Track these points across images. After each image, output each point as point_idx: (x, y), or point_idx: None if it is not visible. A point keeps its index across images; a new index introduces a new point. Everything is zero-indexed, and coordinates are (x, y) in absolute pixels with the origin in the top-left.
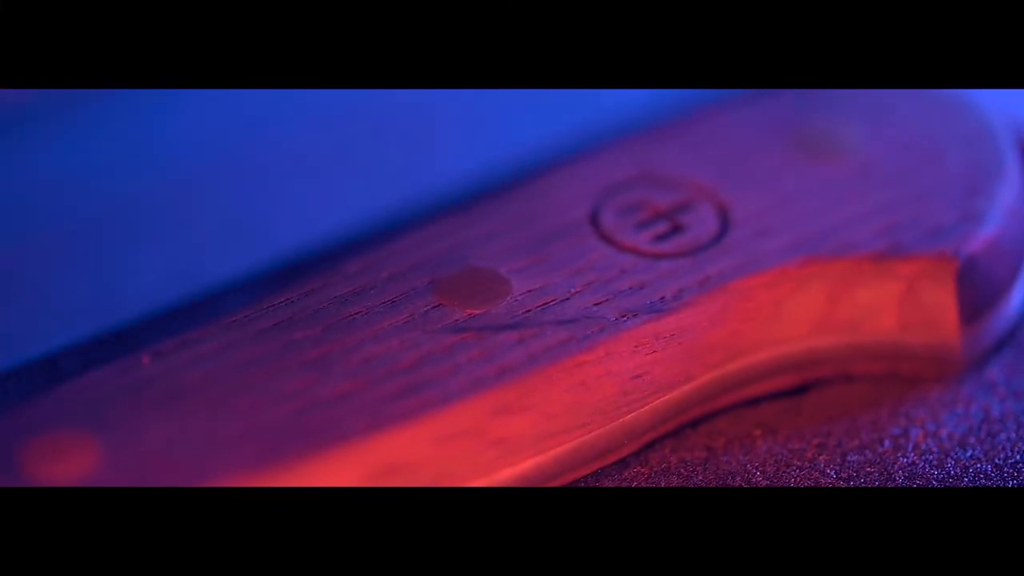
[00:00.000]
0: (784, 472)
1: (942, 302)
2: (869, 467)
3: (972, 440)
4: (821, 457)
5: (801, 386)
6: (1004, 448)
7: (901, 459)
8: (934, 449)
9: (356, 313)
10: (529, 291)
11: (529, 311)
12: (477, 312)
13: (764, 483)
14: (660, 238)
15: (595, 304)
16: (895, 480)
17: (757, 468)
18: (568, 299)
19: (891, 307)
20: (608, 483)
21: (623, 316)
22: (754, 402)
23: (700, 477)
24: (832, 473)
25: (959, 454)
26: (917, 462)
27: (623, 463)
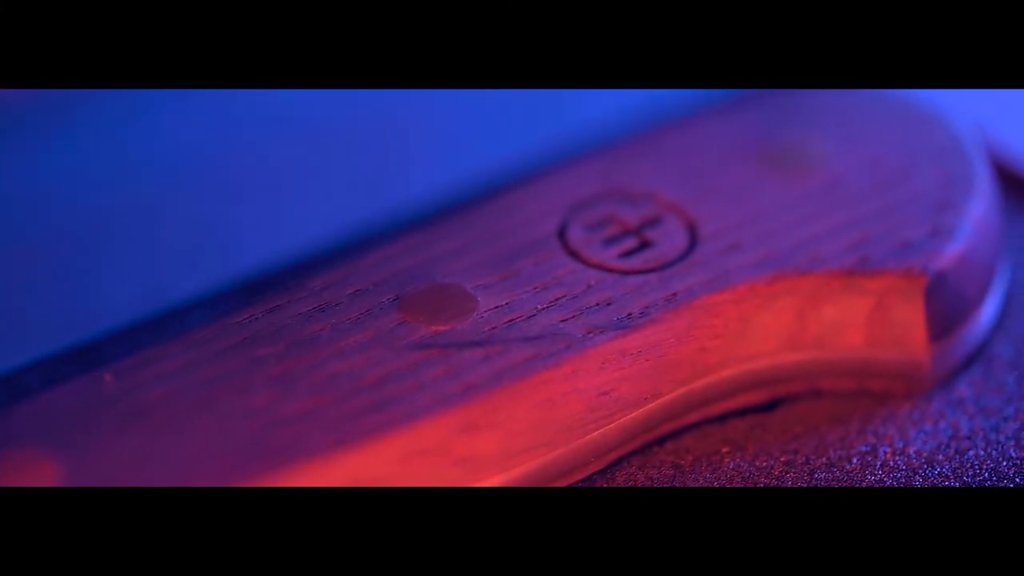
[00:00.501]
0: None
1: (911, 318)
2: (836, 485)
3: (940, 458)
4: (788, 475)
5: (769, 403)
6: (973, 466)
7: (869, 477)
8: (902, 467)
9: (321, 330)
10: (495, 307)
11: (495, 328)
12: (443, 329)
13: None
14: (628, 254)
15: (562, 321)
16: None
17: (724, 486)
18: (534, 316)
19: (859, 323)
20: None
21: (590, 333)
22: (722, 419)
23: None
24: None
25: (927, 471)
26: (885, 480)
27: (589, 481)
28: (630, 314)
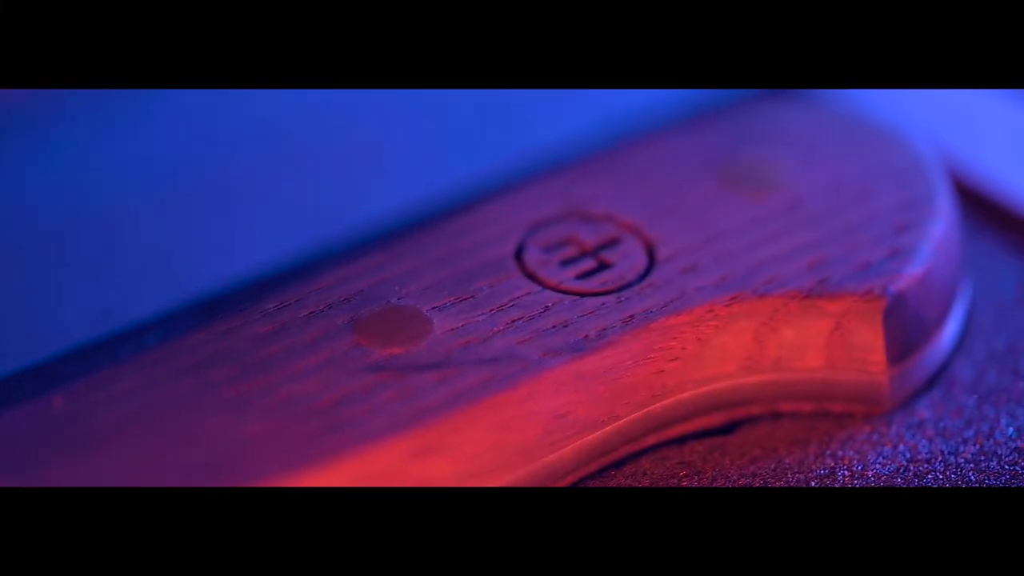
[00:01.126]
0: None
1: (870, 340)
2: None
3: (899, 481)
4: None
5: (728, 425)
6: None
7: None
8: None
9: (275, 352)
10: (451, 330)
11: (450, 350)
12: (398, 352)
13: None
14: (585, 275)
15: (518, 343)
16: None
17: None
18: (490, 338)
19: (818, 345)
20: None
21: (546, 355)
22: (680, 442)
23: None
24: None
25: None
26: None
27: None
28: (587, 336)
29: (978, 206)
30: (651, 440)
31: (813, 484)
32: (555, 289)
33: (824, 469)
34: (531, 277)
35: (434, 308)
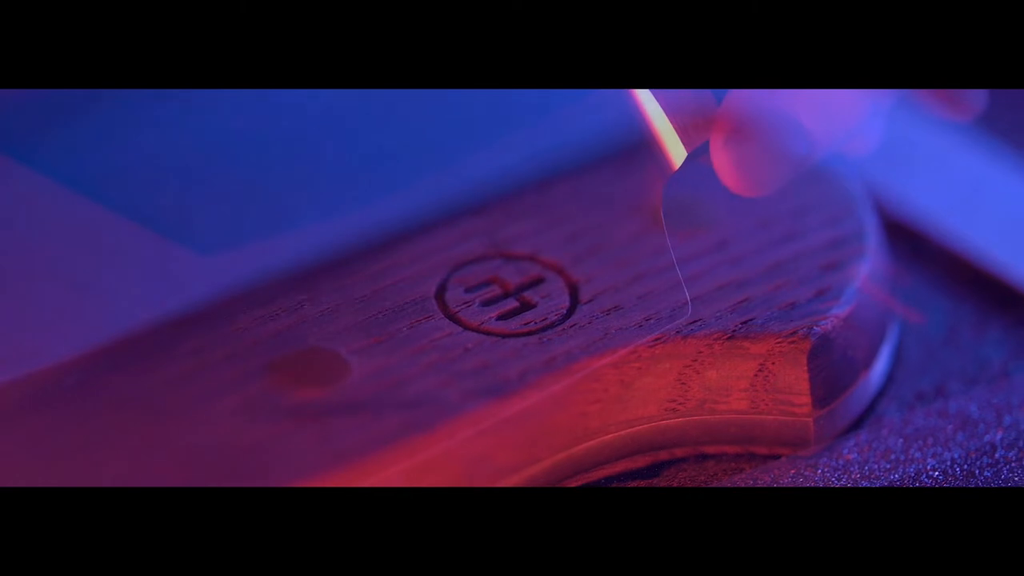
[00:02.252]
0: None
1: (795, 382)
2: None
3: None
4: None
5: (653, 467)
6: None
7: None
8: None
9: (190, 394)
10: (369, 373)
11: (368, 394)
12: (315, 395)
13: None
14: (507, 316)
15: (437, 386)
16: None
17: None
18: (409, 381)
19: (743, 387)
20: None
21: (466, 398)
22: (604, 484)
23: None
24: None
25: None
26: None
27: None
28: (508, 378)
29: (908, 244)
30: (574, 483)
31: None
32: (476, 330)
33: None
34: (452, 318)
35: (352, 351)
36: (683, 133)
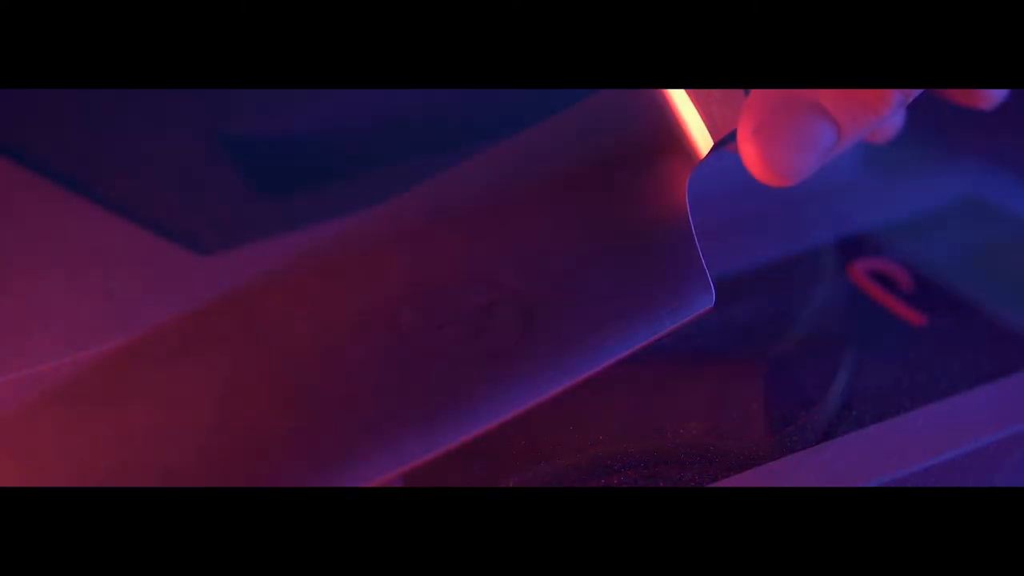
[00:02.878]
0: None
1: (751, 406)
2: None
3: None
4: None
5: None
6: None
7: None
8: None
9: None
10: None
11: None
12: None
13: None
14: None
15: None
16: None
17: None
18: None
19: (698, 411)
20: None
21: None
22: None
23: None
24: None
25: None
26: None
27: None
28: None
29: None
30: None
31: None
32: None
33: None
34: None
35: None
36: (710, 122)
